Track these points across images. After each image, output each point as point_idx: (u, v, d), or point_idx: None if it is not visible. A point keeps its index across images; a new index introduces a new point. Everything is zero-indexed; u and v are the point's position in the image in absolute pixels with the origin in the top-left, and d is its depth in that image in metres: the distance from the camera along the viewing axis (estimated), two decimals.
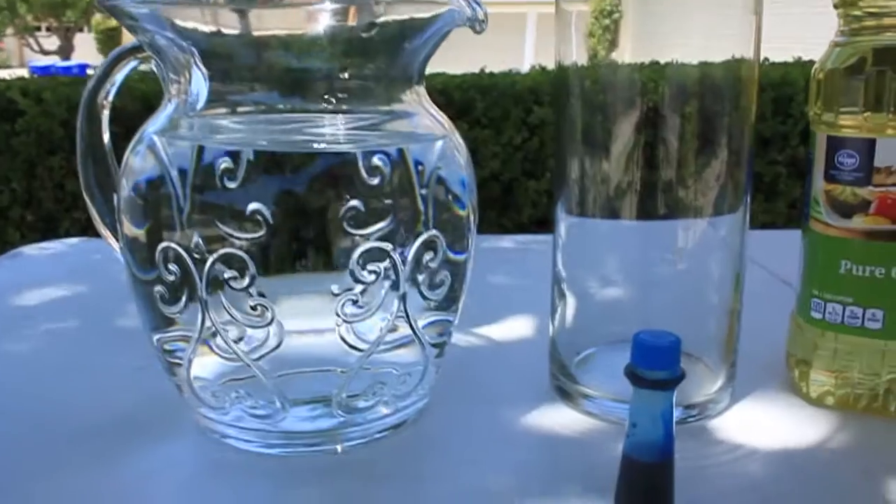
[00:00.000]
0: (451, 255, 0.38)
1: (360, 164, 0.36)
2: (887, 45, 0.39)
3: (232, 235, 0.35)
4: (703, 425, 0.42)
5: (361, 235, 0.35)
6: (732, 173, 0.41)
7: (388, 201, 0.37)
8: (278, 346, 0.36)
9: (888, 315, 0.40)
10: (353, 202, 0.35)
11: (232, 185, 0.35)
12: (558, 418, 0.43)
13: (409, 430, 0.42)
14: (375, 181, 0.36)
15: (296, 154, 0.38)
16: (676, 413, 0.41)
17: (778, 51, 2.47)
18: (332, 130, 0.39)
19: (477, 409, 0.44)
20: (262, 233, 0.35)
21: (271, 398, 0.38)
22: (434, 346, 0.40)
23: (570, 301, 0.44)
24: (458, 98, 2.16)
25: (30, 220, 2.47)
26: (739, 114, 0.40)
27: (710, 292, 0.43)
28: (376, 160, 0.37)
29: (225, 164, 0.35)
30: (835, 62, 0.40)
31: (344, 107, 0.38)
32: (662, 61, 0.40)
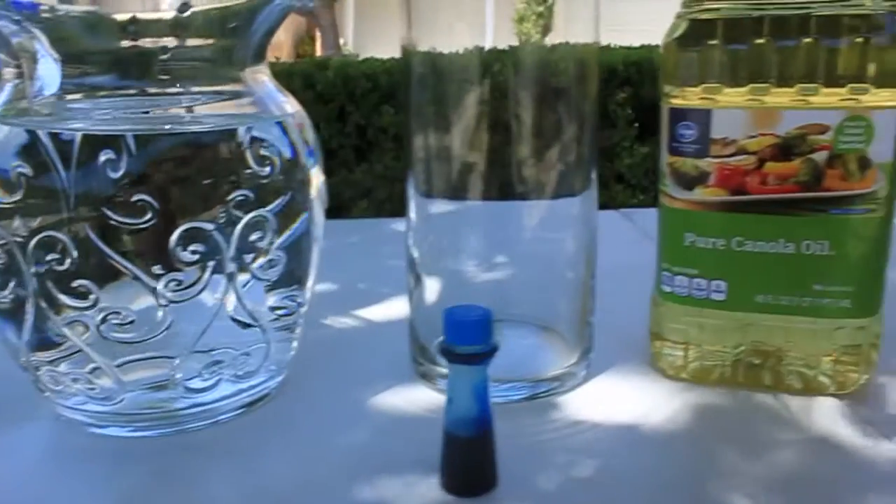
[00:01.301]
0: (286, 235, 0.38)
1: (204, 141, 0.36)
2: (717, 18, 0.39)
3: (61, 221, 0.34)
4: (554, 400, 0.42)
5: (187, 217, 0.35)
6: (579, 154, 0.41)
7: (216, 181, 0.36)
8: (109, 329, 0.36)
9: (731, 286, 0.41)
10: (182, 184, 0.35)
11: (66, 169, 0.34)
12: (415, 399, 0.43)
13: (261, 409, 0.41)
14: (211, 160, 0.36)
15: (141, 135, 0.37)
16: (530, 389, 0.42)
17: None
18: (173, 110, 0.38)
19: (336, 389, 0.44)
20: (89, 216, 0.34)
21: (109, 382, 0.37)
22: (277, 324, 0.40)
23: (426, 283, 0.43)
24: (384, 82, 2.13)
25: None
26: (582, 94, 0.40)
27: (562, 269, 0.43)
28: (213, 138, 0.36)
29: (60, 147, 0.35)
30: (672, 35, 0.40)
31: (186, 87, 0.38)
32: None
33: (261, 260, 0.37)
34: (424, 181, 0.42)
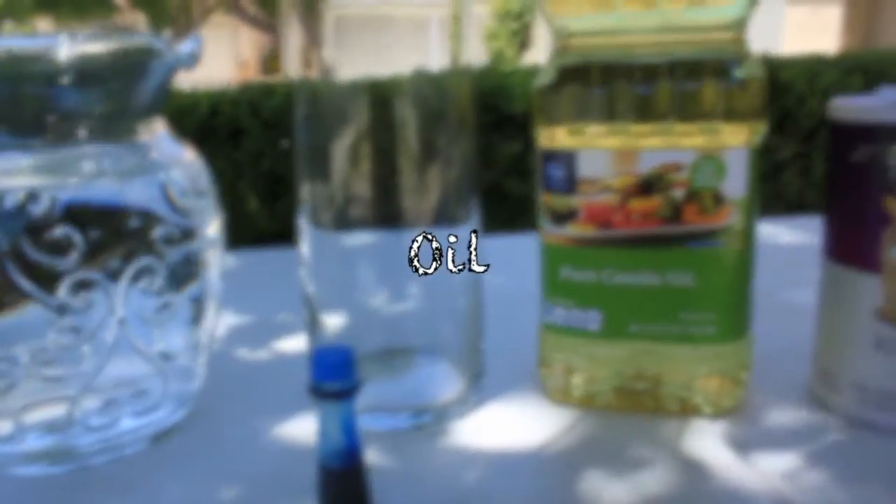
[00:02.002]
0: (178, 279, 0.40)
1: (98, 194, 0.38)
2: (576, 64, 0.41)
3: None
4: (443, 427, 0.44)
5: (74, 268, 0.37)
6: (459, 183, 0.43)
7: (109, 231, 0.38)
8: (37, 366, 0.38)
9: (606, 316, 0.43)
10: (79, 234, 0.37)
11: None
12: (315, 431, 0.44)
13: (167, 442, 0.43)
14: (104, 212, 0.38)
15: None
16: (418, 417, 0.44)
17: None
18: (66, 165, 0.40)
19: (241, 421, 0.46)
20: None
21: (10, 426, 0.39)
22: (173, 363, 0.42)
23: (320, 317, 0.45)
24: None
25: None
26: (458, 122, 0.43)
27: (449, 296, 0.45)
28: (107, 191, 0.38)
29: None
30: (540, 81, 0.42)
31: (80, 142, 0.40)
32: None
33: (154, 303, 0.39)
34: (314, 215, 0.44)
